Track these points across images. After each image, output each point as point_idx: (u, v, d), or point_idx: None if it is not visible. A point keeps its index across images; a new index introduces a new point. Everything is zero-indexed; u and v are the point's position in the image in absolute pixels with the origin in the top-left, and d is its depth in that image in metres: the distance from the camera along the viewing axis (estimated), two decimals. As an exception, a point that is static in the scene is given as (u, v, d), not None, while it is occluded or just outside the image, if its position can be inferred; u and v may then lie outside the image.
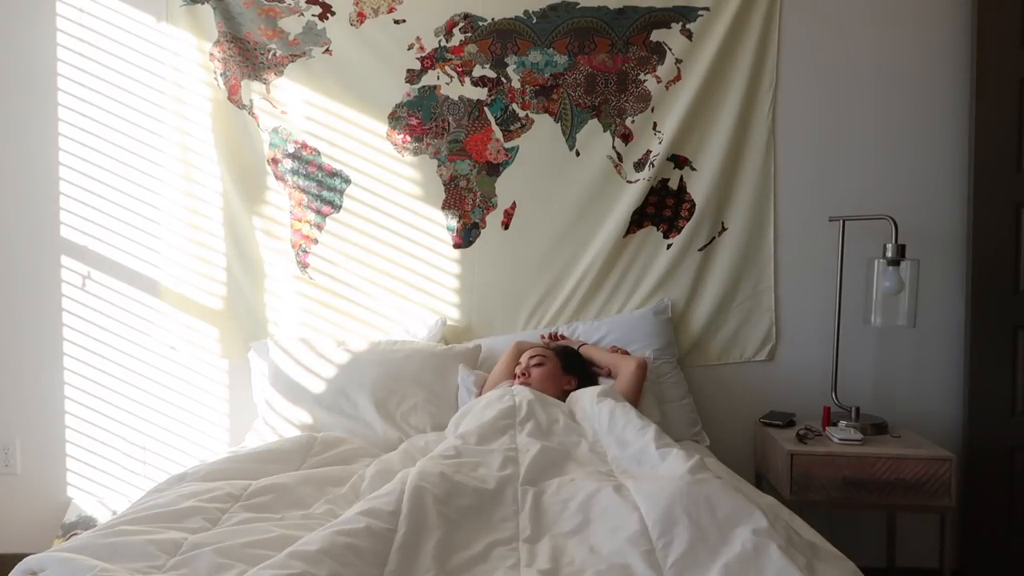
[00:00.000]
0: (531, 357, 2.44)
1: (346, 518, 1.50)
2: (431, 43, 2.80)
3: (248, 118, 2.83)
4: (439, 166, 2.83)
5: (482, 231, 2.84)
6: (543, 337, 2.70)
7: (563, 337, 2.70)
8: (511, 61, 2.80)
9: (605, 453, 1.97)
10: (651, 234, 2.82)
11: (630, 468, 1.86)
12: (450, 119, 2.82)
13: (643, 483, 1.69)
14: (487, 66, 2.81)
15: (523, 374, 2.41)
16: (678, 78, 2.78)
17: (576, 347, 2.60)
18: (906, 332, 2.77)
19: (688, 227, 2.80)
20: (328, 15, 2.80)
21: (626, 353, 2.56)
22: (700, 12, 2.75)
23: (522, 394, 2.17)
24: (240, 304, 2.86)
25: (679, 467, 1.73)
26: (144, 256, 2.87)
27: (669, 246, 2.82)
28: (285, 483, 1.82)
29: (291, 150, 2.82)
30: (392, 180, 2.84)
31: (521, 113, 2.81)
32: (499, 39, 2.80)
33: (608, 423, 2.04)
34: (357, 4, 2.80)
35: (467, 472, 1.73)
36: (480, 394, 2.46)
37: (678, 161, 2.80)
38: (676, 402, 2.62)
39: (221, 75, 2.81)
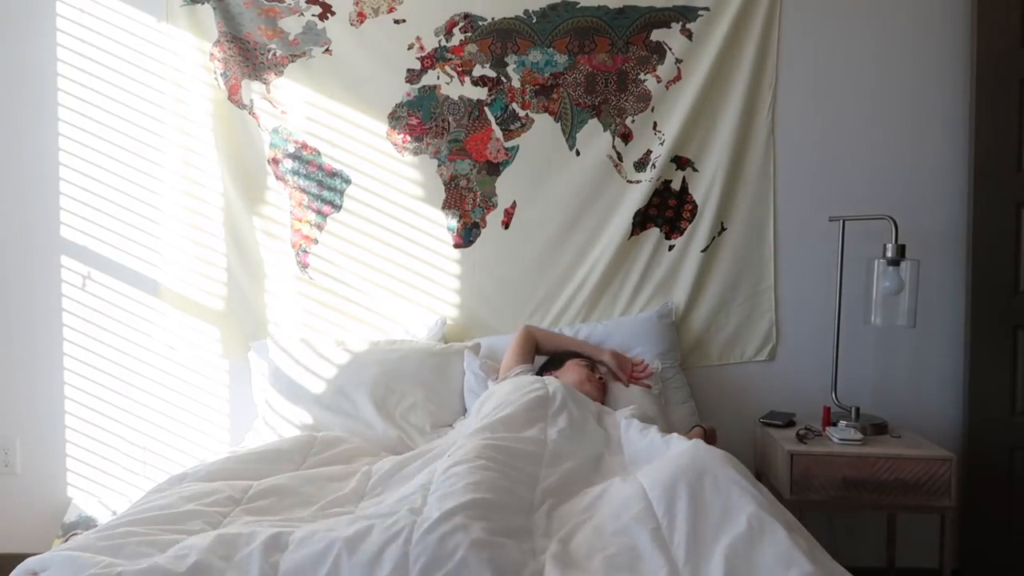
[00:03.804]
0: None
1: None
2: (431, 43, 2.80)
3: (248, 118, 2.82)
4: (439, 166, 2.83)
5: (482, 231, 2.84)
6: (634, 371, 2.54)
7: (647, 370, 2.54)
8: (511, 61, 2.80)
9: (624, 459, 1.97)
10: (653, 235, 2.82)
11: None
12: (450, 119, 2.82)
13: (648, 465, 1.71)
14: (487, 66, 2.80)
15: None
16: (678, 78, 2.78)
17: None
18: (906, 332, 2.77)
19: (690, 228, 2.80)
20: (328, 15, 2.79)
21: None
22: (700, 12, 2.75)
23: (554, 384, 2.16)
24: (240, 304, 2.85)
25: (681, 444, 1.77)
26: (144, 256, 2.87)
27: (671, 247, 2.82)
28: (286, 485, 1.82)
29: (291, 150, 2.82)
30: (392, 180, 2.83)
31: (521, 113, 2.81)
32: (499, 39, 2.80)
33: (624, 433, 2.06)
34: (357, 4, 2.79)
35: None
36: (496, 381, 2.45)
37: (680, 162, 2.80)
38: (679, 405, 2.62)
39: (221, 75, 2.80)
